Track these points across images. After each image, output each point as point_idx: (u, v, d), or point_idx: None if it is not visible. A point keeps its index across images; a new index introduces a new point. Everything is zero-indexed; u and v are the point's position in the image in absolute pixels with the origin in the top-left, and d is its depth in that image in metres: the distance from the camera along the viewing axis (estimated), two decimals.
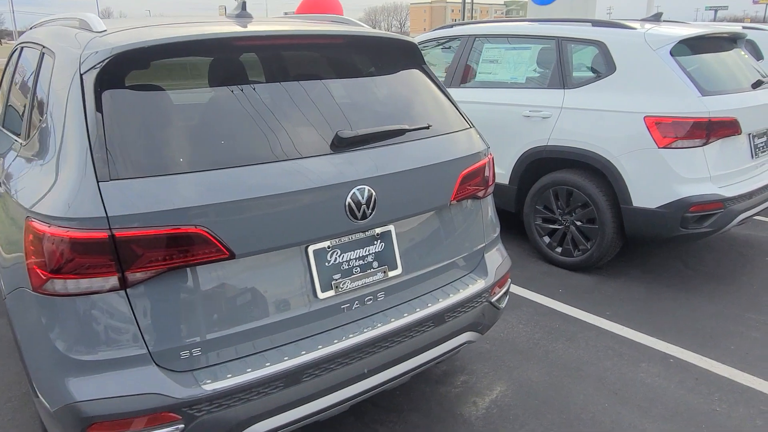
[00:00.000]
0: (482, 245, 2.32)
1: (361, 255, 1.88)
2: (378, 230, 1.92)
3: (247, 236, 1.63)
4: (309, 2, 5.76)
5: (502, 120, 4.24)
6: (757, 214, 3.76)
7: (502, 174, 4.30)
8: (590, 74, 3.86)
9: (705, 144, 3.40)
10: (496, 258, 2.39)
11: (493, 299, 2.30)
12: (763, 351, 2.96)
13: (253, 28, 1.98)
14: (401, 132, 2.01)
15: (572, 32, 3.98)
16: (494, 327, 3.19)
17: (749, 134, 3.69)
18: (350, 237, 1.85)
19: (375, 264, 1.92)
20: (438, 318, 2.04)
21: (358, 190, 1.79)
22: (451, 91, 4.57)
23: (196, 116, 1.74)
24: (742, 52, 4.13)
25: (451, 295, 2.11)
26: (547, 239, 4.12)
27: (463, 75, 4.60)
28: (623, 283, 3.79)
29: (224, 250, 1.59)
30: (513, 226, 4.66)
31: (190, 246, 1.55)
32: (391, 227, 1.96)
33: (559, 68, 3.99)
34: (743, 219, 3.60)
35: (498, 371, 2.82)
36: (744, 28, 5.61)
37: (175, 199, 1.53)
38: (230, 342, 1.66)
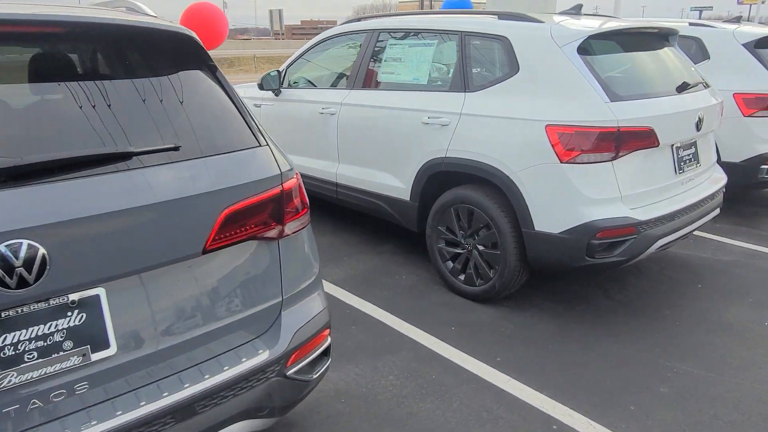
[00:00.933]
0: (276, 301, 1.77)
1: (40, 334, 1.33)
2: (74, 296, 1.37)
3: None
4: (190, 13, 5.03)
5: (402, 127, 3.70)
6: (682, 237, 3.25)
7: (403, 189, 3.76)
8: (493, 75, 3.33)
9: (614, 158, 2.89)
10: (302, 315, 1.84)
11: (291, 371, 1.76)
12: (667, 413, 2.45)
13: None
14: (125, 156, 1.46)
15: (476, 26, 3.45)
16: (358, 379, 2.65)
17: (672, 145, 3.18)
18: (18, 311, 1.30)
19: (68, 344, 1.36)
20: (182, 411, 1.49)
21: (5, 246, 1.24)
22: (354, 93, 4.05)
23: None
24: (675, 51, 3.62)
25: (207, 376, 1.56)
26: (450, 264, 3.59)
27: (367, 75, 4.06)
28: (528, 318, 3.27)
29: None
30: (420, 245, 4.13)
31: None
32: (99, 290, 1.40)
33: (461, 68, 3.46)
34: (664, 245, 3.09)
35: None
36: (690, 24, 5.12)
37: None
38: None
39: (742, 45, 4.68)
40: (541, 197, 2.99)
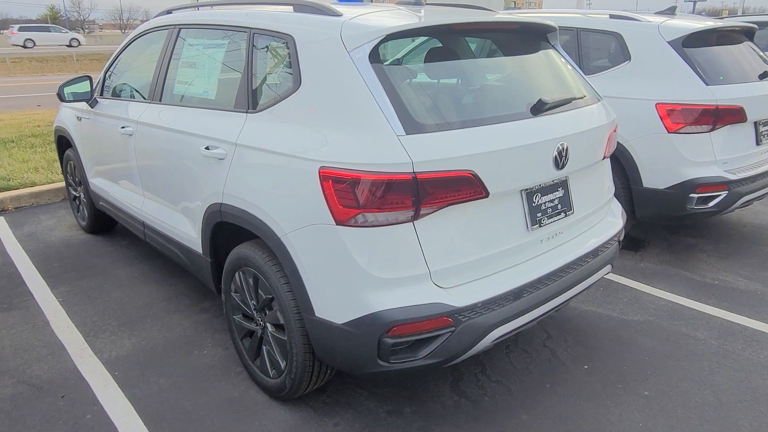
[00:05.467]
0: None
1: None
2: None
3: None
4: None
5: (183, 157, 2.76)
6: (539, 319, 2.32)
7: (195, 238, 2.82)
8: (279, 88, 2.38)
9: (415, 217, 1.94)
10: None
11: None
12: None
13: None
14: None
15: (265, 21, 2.49)
16: None
17: (521, 191, 2.23)
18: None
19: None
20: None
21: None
22: (150, 108, 3.14)
23: None
24: (554, 55, 2.67)
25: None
26: (248, 342, 2.66)
27: (164, 86, 3.10)
28: (331, 430, 2.34)
29: None
30: None
31: None
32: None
33: (247, 78, 2.50)
34: (503, 335, 2.15)
35: None
36: (611, 17, 4.17)
37: None
38: None
39: (668, 43, 3.74)
40: (317, 272, 2.06)
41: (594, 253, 2.49)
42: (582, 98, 2.54)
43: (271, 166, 2.19)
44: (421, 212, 1.93)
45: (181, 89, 2.98)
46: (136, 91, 3.46)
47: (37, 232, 4.67)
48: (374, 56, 2.05)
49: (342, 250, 1.96)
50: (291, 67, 2.27)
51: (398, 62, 2.19)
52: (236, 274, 2.56)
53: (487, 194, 2.03)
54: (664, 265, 3.94)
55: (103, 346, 3.00)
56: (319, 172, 1.98)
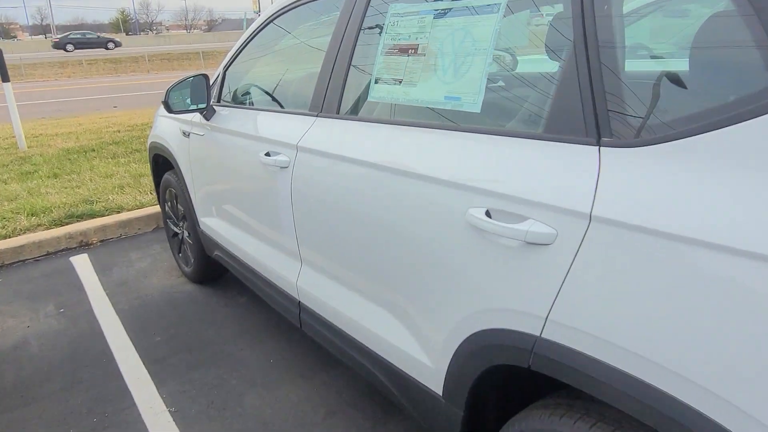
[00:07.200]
0: None
1: None
2: None
3: None
4: None
5: (421, 224, 1.47)
6: None
7: (427, 367, 1.54)
8: (713, 93, 1.04)
9: None
10: None
11: None
12: None
13: None
14: None
15: None
16: None
17: None
18: None
19: None
20: None
21: None
22: (320, 125, 1.88)
23: None
24: None
25: None
26: None
27: (344, 87, 1.84)
28: None
29: None
30: None
31: None
32: None
33: (583, 71, 1.18)
34: None
35: None
36: None
37: None
38: None
39: None
40: None
41: None
42: None
43: (734, 284, 0.86)
44: None
45: (386, 93, 1.70)
46: (285, 97, 2.24)
47: (130, 279, 3.60)
48: None
49: None
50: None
51: None
52: None
53: None
54: None
55: None
56: None
